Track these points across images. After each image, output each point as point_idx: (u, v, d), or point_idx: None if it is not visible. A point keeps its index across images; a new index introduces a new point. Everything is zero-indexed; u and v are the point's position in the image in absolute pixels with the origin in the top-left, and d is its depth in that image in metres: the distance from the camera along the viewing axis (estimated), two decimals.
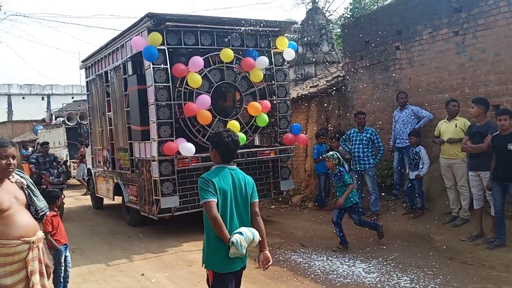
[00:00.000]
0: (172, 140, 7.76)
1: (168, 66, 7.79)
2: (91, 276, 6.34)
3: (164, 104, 7.76)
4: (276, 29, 8.69)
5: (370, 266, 6.00)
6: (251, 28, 8.32)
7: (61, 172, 11.62)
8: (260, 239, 3.55)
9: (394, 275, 5.60)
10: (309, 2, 14.77)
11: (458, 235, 6.88)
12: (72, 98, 37.74)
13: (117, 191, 9.96)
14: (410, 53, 8.83)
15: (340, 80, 10.58)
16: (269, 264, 3.74)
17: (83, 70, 11.50)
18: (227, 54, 8.13)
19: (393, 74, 9.20)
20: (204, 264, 3.59)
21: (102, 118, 10.43)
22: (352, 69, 10.27)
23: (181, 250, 7.44)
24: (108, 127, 10.03)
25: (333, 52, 14.63)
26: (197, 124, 8.07)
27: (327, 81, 10.97)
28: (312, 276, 5.79)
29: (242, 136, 8.05)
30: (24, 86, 51.41)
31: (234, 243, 3.33)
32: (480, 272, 5.47)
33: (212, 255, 3.50)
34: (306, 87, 11.62)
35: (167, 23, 7.58)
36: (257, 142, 10.16)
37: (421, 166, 7.74)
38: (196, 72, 7.92)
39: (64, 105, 25.54)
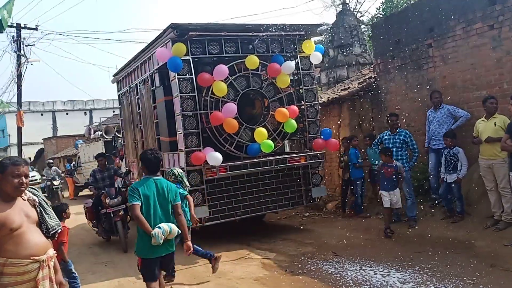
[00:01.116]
0: (200, 150, 7.70)
1: (193, 76, 7.75)
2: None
3: (190, 114, 7.73)
4: (302, 32, 8.51)
5: (405, 276, 5.70)
6: (275, 33, 8.17)
7: (121, 189, 9.70)
8: (180, 232, 4.72)
9: (430, 285, 5.29)
10: (339, 4, 14.51)
11: (501, 239, 6.45)
12: (113, 112, 38.70)
13: None
14: (444, 50, 8.45)
15: (372, 82, 10.27)
16: (190, 251, 5.01)
17: (115, 83, 11.66)
18: (252, 61, 8.03)
19: (427, 73, 8.84)
20: (135, 252, 4.74)
21: (134, 130, 10.53)
22: (384, 70, 9.95)
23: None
24: (140, 139, 10.11)
25: (366, 54, 14.32)
26: (224, 133, 7.99)
27: (359, 83, 10.67)
28: (344, 287, 5.54)
29: (269, 143, 7.92)
30: (67, 102, 53.19)
31: (153, 235, 4.45)
32: None
33: (139, 245, 4.66)
34: (338, 90, 11.36)
35: (190, 33, 7.55)
36: (287, 149, 9.98)
37: (460, 168, 7.32)
38: (221, 81, 7.85)
39: (104, 119, 26.28)
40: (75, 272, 5.71)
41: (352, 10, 16.41)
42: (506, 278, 5.20)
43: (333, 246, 7.57)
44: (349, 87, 10.79)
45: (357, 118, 10.49)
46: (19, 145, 17.67)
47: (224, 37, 7.98)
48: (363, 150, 9.71)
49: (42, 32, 18.93)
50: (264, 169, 8.26)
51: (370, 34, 12.55)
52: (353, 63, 14.09)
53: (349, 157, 9.59)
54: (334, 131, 10.95)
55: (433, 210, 8.14)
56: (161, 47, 8.01)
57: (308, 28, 8.57)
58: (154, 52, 8.43)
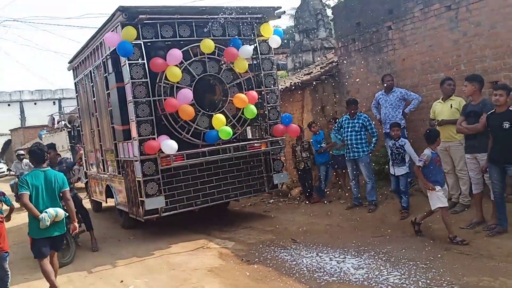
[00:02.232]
0: (154, 138, 7.43)
1: (145, 61, 7.45)
2: (69, 285, 6.08)
3: (143, 101, 7.43)
4: (259, 15, 8.27)
5: (360, 262, 5.62)
6: (231, 16, 7.91)
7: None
8: (67, 214, 5.51)
9: (384, 271, 5.21)
10: None
11: (458, 222, 6.42)
12: None
13: (109, 193, 9.68)
14: (403, 32, 8.34)
15: (334, 66, 10.12)
16: (76, 231, 5.88)
17: (71, 71, 11.23)
18: (207, 45, 7.76)
19: (386, 56, 8.74)
20: (28, 233, 5.45)
21: (90, 119, 10.17)
22: (345, 53, 9.81)
23: (168, 252, 7.13)
24: (96, 128, 9.77)
25: (331, 38, 14.15)
26: (181, 120, 7.73)
27: (321, 67, 10.52)
28: (297, 275, 5.42)
29: (227, 130, 7.71)
30: (35, 92, 51.81)
31: (40, 219, 5.20)
32: (478, 263, 5.06)
33: (30, 227, 5.39)
34: (301, 75, 11.19)
35: (140, 16, 7.23)
36: (250, 135, 9.80)
37: (408, 160, 7.20)
38: (176, 66, 7.57)
39: (72, 108, 25.51)
40: (8, 268, 5.43)
41: None
42: (460, 261, 5.16)
43: (293, 232, 7.46)
44: (311, 72, 10.62)
45: (320, 103, 10.35)
46: None
47: (177, 20, 7.67)
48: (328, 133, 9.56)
49: None
50: (224, 157, 8.06)
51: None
52: (318, 47, 13.93)
53: (311, 145, 9.48)
54: (297, 117, 10.82)
55: (392, 194, 8.07)
56: (112, 31, 7.67)
57: (265, 10, 8.32)
58: None
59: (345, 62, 9.82)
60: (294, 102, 10.89)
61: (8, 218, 5.91)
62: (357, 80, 9.51)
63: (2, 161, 39.13)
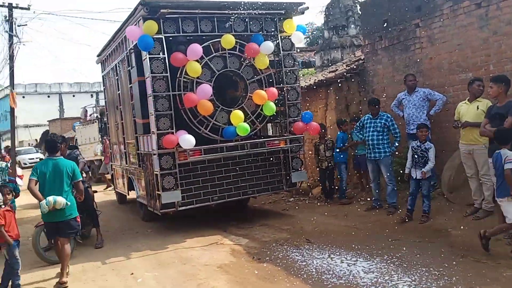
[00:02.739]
0: (172, 133, 7.45)
1: (166, 56, 7.46)
2: (82, 275, 6.16)
3: (163, 95, 7.46)
4: (282, 11, 8.16)
5: (371, 265, 5.45)
6: (254, 11, 7.83)
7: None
8: (69, 204, 5.75)
9: (394, 276, 5.04)
10: None
11: (479, 229, 6.09)
12: None
13: (131, 185, 9.80)
14: (431, 30, 8.07)
15: (360, 64, 9.91)
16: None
17: (99, 64, 11.41)
18: (228, 40, 7.71)
19: (413, 54, 8.48)
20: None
21: (115, 112, 10.31)
22: (372, 51, 9.58)
23: (182, 247, 7.14)
24: (120, 121, 9.90)
25: (361, 35, 13.86)
26: (200, 115, 7.72)
27: (346, 65, 10.32)
28: (305, 276, 5.31)
29: (245, 126, 7.65)
30: (74, 85, 53.17)
31: (40, 205, 5.60)
32: (493, 272, 4.82)
33: (41, 211, 5.75)
34: (327, 73, 11.01)
35: (162, 11, 7.24)
36: (271, 132, 9.71)
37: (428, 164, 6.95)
38: (196, 61, 7.56)
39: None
40: (18, 256, 5.55)
41: None
42: (474, 270, 4.94)
43: (309, 232, 7.34)
44: (336, 70, 10.43)
45: (344, 102, 10.16)
46: (12, 127, 17.51)
47: (199, 14, 7.66)
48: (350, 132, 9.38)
49: (34, 12, 18.65)
50: (242, 153, 8.01)
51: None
52: (348, 44, 13.68)
53: (336, 140, 9.30)
54: (321, 115, 10.67)
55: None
56: (134, 25, 7.72)
57: (288, 6, 8.20)
58: None
59: (371, 60, 9.59)
60: (318, 100, 10.73)
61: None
62: (383, 78, 9.27)
63: (40, 151, 40.33)
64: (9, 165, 12.36)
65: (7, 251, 5.43)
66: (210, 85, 7.69)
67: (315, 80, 10.47)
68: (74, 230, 6.09)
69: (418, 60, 8.36)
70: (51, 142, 6.07)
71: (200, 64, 7.65)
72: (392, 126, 7.82)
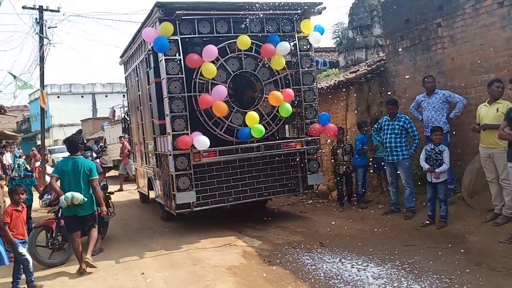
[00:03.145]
0: (187, 134, 7.48)
1: (181, 57, 7.50)
2: (95, 274, 6.24)
3: (178, 96, 7.49)
4: (298, 11, 8.07)
5: (381, 271, 5.32)
6: (270, 11, 7.78)
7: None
8: (86, 199, 6.22)
9: (404, 282, 4.91)
10: None
11: (497, 235, 5.94)
12: None
13: (151, 185, 9.90)
14: (452, 29, 7.84)
15: (381, 64, 9.72)
16: (104, 213, 6.73)
17: (122, 65, 11.58)
18: (243, 41, 7.69)
19: (435, 55, 8.26)
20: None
21: (136, 112, 10.44)
22: (393, 51, 9.38)
23: (195, 247, 7.16)
24: (140, 122, 10.02)
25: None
26: (215, 116, 7.73)
27: (368, 65, 10.14)
28: (312, 280, 5.23)
29: (260, 128, 7.61)
30: (106, 85, 54.23)
31: (60, 200, 6.14)
32: (507, 282, 4.64)
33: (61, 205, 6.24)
34: (348, 73, 10.84)
35: (177, 12, 7.28)
36: (289, 134, 9.64)
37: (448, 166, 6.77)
38: (211, 62, 7.57)
39: None
40: (25, 253, 5.66)
41: None
42: (488, 278, 4.76)
43: (323, 235, 7.25)
44: (358, 70, 10.26)
45: (365, 103, 9.98)
46: (42, 126, 17.96)
47: (215, 16, 7.66)
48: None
49: (64, 14, 19.09)
50: (257, 155, 7.97)
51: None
52: (372, 44, 13.43)
53: (353, 148, 9.11)
54: (341, 117, 10.53)
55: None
56: (151, 27, 7.79)
57: (305, 6, 8.11)
58: None
59: (392, 60, 9.40)
60: (338, 101, 10.58)
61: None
62: (404, 79, 9.07)
63: None
64: (32, 163, 12.73)
65: (12, 249, 5.60)
66: (225, 86, 7.69)
67: (335, 81, 10.32)
68: (91, 223, 6.55)
69: (440, 60, 8.14)
70: (72, 142, 6.63)
71: (216, 65, 7.66)
72: (411, 128, 7.63)
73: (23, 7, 16.73)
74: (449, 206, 7.09)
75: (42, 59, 17.02)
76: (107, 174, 22.05)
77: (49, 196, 7.81)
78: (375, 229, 7.25)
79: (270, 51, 7.86)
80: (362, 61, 13.10)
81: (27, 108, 61.11)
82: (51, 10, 17.23)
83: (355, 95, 10.07)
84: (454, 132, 7.66)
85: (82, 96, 52.82)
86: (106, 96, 52.86)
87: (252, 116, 7.66)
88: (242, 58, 7.95)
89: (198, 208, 7.83)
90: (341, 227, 7.63)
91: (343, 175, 9.01)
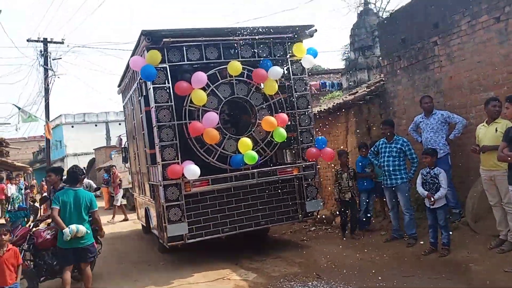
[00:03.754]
0: (178, 163, 7.28)
1: (170, 85, 7.36)
2: None
3: (167, 125, 7.32)
4: (290, 35, 7.92)
5: None
6: (260, 36, 7.64)
7: None
8: (89, 232, 6.18)
9: None
10: (360, 4, 13.74)
11: (503, 264, 5.56)
12: None
13: (147, 216, 9.67)
14: (449, 47, 7.60)
15: (380, 85, 9.48)
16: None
17: (120, 94, 11.52)
18: (234, 67, 7.53)
19: (433, 74, 7.99)
20: (57, 243, 6.20)
21: (133, 142, 10.31)
22: (391, 72, 9.14)
23: (187, 282, 6.87)
24: (136, 151, 9.87)
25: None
26: (207, 144, 7.52)
27: (367, 86, 9.90)
28: None
29: (252, 154, 7.37)
30: (120, 113, 54.61)
31: (63, 232, 5.91)
32: None
33: (59, 237, 6.14)
34: (347, 95, 10.62)
35: (164, 40, 7.17)
36: (288, 159, 9.37)
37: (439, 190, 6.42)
38: (202, 88, 7.41)
39: None
40: None
41: (377, 9, 15.50)
42: None
43: (322, 266, 6.92)
44: (356, 92, 10.03)
45: (365, 125, 9.71)
46: (48, 157, 18.02)
47: (203, 42, 7.53)
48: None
49: (68, 45, 19.32)
50: (252, 182, 7.72)
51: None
52: (374, 65, 13.25)
53: (356, 165, 8.78)
54: (342, 139, 10.26)
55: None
56: (140, 55, 7.69)
57: (296, 30, 7.95)
58: None
59: (391, 80, 9.15)
60: (338, 124, 10.33)
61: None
62: (403, 100, 8.80)
63: (86, 177, 41.45)
64: (23, 192, 12.68)
65: None
66: (217, 113, 7.50)
67: (333, 103, 10.09)
68: (92, 255, 6.43)
69: (438, 79, 7.88)
70: (73, 174, 6.47)
71: (207, 92, 7.50)
72: (409, 151, 7.33)
73: (28, 40, 16.94)
74: (453, 231, 6.74)
75: (47, 90, 17.17)
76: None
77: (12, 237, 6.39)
78: (375, 258, 6.90)
79: (262, 76, 7.69)
80: (365, 82, 12.91)
81: (43, 138, 61.97)
82: (56, 42, 17.46)
83: (355, 117, 9.82)
84: (455, 154, 7.33)
85: (95, 125, 53.21)
86: (120, 124, 52.95)
87: (245, 143, 7.44)
88: (234, 84, 7.78)
89: (192, 240, 7.56)
90: (341, 256, 7.29)
91: (348, 202, 8.47)
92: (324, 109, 10.21)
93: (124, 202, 15.34)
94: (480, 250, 6.16)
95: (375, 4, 15.45)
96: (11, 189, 15.33)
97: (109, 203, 21.85)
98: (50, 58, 17.00)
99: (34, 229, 6.69)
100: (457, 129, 7.04)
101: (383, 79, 9.55)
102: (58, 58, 17.26)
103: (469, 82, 7.25)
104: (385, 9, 18.45)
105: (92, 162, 47.03)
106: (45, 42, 17.12)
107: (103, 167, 27.61)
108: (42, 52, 17.03)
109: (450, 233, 6.47)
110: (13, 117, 20.65)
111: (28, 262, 6.38)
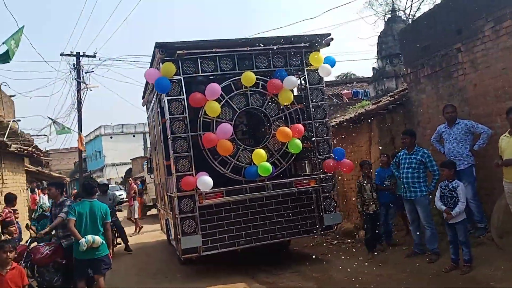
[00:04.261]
0: (192, 175, 7.24)
1: (185, 97, 7.35)
2: None
3: (182, 136, 7.31)
4: (306, 44, 7.78)
5: None
6: (274, 47, 7.54)
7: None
8: (103, 242, 6.24)
9: None
10: (387, 12, 13.44)
11: None
12: None
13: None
14: (473, 54, 7.26)
15: (404, 94, 9.18)
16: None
17: (144, 106, 11.65)
18: (248, 77, 7.46)
19: (457, 82, 7.66)
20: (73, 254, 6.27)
21: (155, 153, 10.38)
22: (415, 80, 8.82)
23: None
24: (157, 163, 9.92)
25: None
26: (222, 156, 7.45)
27: (391, 95, 9.61)
28: None
29: (266, 166, 7.26)
30: None
31: (80, 243, 5.98)
32: None
33: (74, 248, 6.18)
34: (370, 105, 10.35)
35: (178, 52, 7.19)
36: (308, 171, 9.18)
37: (458, 205, 6.06)
38: (216, 100, 7.37)
39: None
40: None
41: (405, 16, 15.14)
42: None
43: (336, 282, 6.72)
44: (380, 101, 9.75)
45: (389, 135, 9.41)
46: (81, 168, 18.44)
47: (218, 54, 7.50)
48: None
49: (100, 59, 19.90)
50: (266, 194, 7.59)
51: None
52: (402, 73, 12.89)
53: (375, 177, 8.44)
54: (365, 150, 9.99)
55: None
56: (156, 68, 7.73)
57: (313, 39, 7.81)
58: None
59: (414, 89, 8.84)
60: (361, 134, 10.06)
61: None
62: (427, 108, 8.48)
63: (122, 188, 42.28)
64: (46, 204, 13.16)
65: None
66: (231, 124, 7.44)
67: (355, 113, 9.85)
68: (107, 266, 6.44)
69: (462, 87, 7.54)
70: (88, 186, 6.65)
71: (221, 103, 7.45)
72: (430, 162, 6.99)
73: (61, 54, 17.46)
74: (477, 247, 6.39)
75: (79, 103, 17.60)
76: (148, 213, 22.39)
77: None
78: (393, 275, 6.62)
79: (277, 86, 7.58)
80: (392, 91, 12.56)
81: (84, 149, 63.88)
82: (88, 56, 17.92)
83: (378, 127, 9.54)
84: (481, 165, 6.96)
85: (133, 136, 54.38)
86: None
87: (260, 154, 7.33)
88: (249, 95, 7.70)
89: (207, 253, 7.49)
90: (359, 272, 7.03)
91: (373, 215, 8.02)
92: (346, 119, 9.97)
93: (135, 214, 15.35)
94: (505, 267, 5.78)
95: (404, 11, 15.05)
96: (43, 199, 15.71)
97: (141, 212, 22.18)
98: (82, 71, 17.49)
99: (31, 245, 6.72)
100: (482, 140, 6.68)
101: (407, 87, 9.24)
102: (91, 71, 17.73)
103: (494, 90, 6.90)
104: (414, 16, 18.03)
105: (129, 172, 47.96)
106: (78, 56, 17.62)
107: (139, 177, 28.02)
108: (75, 66, 17.53)
109: (472, 249, 6.12)
110: (45, 129, 20.95)
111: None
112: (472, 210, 6.66)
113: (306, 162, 8.81)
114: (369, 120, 9.71)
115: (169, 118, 7.28)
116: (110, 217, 6.61)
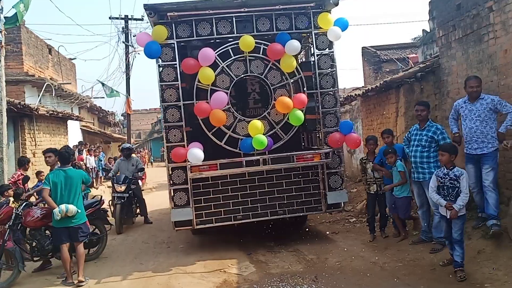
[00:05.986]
0: (184, 146, 6.90)
1: (177, 62, 6.94)
2: None
3: (174, 104, 6.95)
4: (311, 4, 6.99)
5: None
6: (276, 7, 6.86)
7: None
8: (79, 211, 6.26)
9: None
10: None
11: None
12: None
13: None
14: (505, 14, 6.15)
15: (435, 61, 8.14)
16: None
17: None
18: (246, 42, 6.86)
19: (487, 46, 6.58)
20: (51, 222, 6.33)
21: None
22: (446, 44, 7.77)
23: (184, 271, 6.54)
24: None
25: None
26: (217, 126, 7.02)
27: (422, 62, 8.58)
28: None
29: (260, 139, 6.73)
30: None
31: (53, 212, 6.07)
32: None
33: (52, 217, 6.21)
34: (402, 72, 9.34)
35: (169, 14, 6.73)
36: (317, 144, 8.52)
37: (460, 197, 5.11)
38: (209, 66, 6.88)
39: None
40: None
41: None
42: None
43: (327, 267, 6.19)
44: (410, 69, 8.75)
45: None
46: (128, 131, 18.78)
47: (215, 16, 6.95)
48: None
49: (147, 22, 19.84)
50: (267, 168, 7.09)
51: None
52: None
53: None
54: (392, 122, 9.10)
55: (473, 232, 6.04)
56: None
57: None
58: None
59: (445, 55, 7.79)
60: (389, 104, 9.15)
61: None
62: (457, 77, 7.44)
63: None
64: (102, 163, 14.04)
65: None
66: (226, 93, 6.94)
67: (381, 81, 8.93)
68: (85, 234, 6.49)
69: (492, 53, 6.47)
70: (63, 154, 6.51)
71: (217, 69, 6.95)
72: (443, 140, 6.06)
73: (110, 18, 17.60)
74: (491, 239, 5.54)
75: (127, 66, 17.77)
76: None
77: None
78: (388, 264, 5.96)
79: (278, 51, 6.93)
80: None
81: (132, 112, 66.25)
82: (136, 19, 17.92)
83: (405, 97, 8.59)
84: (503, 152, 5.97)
85: None
86: None
87: (255, 125, 6.81)
88: (248, 61, 7.12)
89: (201, 226, 7.21)
90: (356, 257, 6.45)
91: (373, 195, 7.37)
92: (372, 87, 9.08)
93: None
94: (510, 267, 4.95)
95: None
96: (90, 160, 16.25)
97: None
98: (130, 34, 17.59)
99: (20, 208, 6.71)
100: (510, 120, 5.61)
101: (438, 53, 8.18)
102: None
103: None
104: None
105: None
106: (126, 19, 17.68)
107: None
108: (123, 29, 17.64)
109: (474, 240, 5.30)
110: (100, 92, 21.36)
111: (13, 242, 6.46)
112: (488, 202, 5.70)
113: (311, 135, 8.19)
114: (396, 90, 8.78)
115: (160, 85, 6.92)
116: (130, 185, 7.24)
